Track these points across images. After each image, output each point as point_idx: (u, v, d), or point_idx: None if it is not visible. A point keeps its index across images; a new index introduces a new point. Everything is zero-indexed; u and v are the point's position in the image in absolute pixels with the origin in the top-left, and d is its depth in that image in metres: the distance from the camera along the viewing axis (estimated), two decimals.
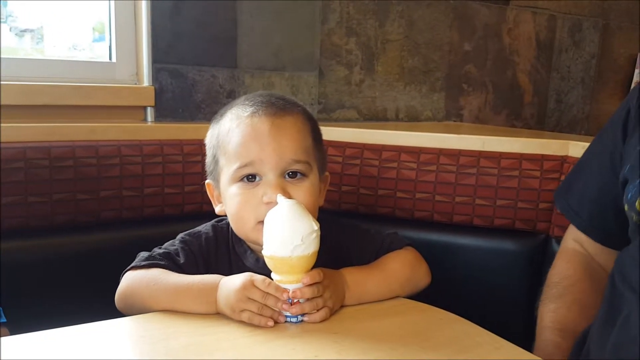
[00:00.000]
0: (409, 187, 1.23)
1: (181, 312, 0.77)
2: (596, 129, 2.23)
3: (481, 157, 1.20)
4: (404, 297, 0.87)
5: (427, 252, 0.96)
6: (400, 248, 0.93)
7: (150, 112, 1.40)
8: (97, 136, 1.14)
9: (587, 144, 1.14)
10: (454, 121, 1.90)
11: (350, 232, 0.96)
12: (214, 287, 0.77)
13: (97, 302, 0.84)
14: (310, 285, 0.75)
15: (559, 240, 1.14)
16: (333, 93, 1.66)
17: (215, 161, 0.90)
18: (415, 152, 1.23)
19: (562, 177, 1.15)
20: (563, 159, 1.17)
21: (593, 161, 0.93)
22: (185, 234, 0.91)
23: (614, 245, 0.92)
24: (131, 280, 0.83)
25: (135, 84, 1.41)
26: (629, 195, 0.77)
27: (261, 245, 0.77)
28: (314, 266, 0.77)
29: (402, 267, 0.89)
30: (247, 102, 0.88)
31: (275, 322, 0.74)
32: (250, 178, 0.84)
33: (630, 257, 0.79)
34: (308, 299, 0.75)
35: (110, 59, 1.41)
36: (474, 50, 1.91)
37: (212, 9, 1.44)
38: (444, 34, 1.83)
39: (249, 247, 0.90)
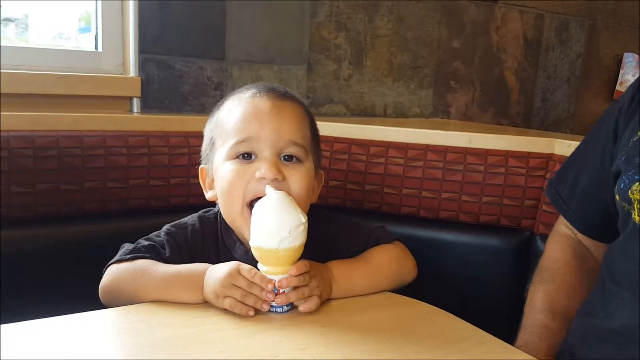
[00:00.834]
0: (396, 182, 1.23)
1: (169, 301, 0.76)
2: (581, 127, 2.26)
3: (468, 154, 1.20)
4: (390, 291, 0.87)
5: (413, 247, 0.96)
6: (388, 242, 0.93)
7: (136, 103, 1.38)
8: (82, 126, 1.13)
9: (572, 142, 1.16)
10: (441, 118, 1.91)
11: (337, 224, 0.95)
12: (202, 274, 0.77)
13: (80, 294, 0.83)
14: (297, 275, 0.75)
15: (543, 237, 1.15)
16: (321, 87, 1.66)
17: (212, 144, 0.90)
18: (403, 148, 1.23)
19: (548, 175, 1.17)
20: (549, 157, 1.18)
21: (585, 154, 0.94)
22: (170, 226, 0.90)
23: (597, 238, 0.94)
24: (116, 273, 0.82)
25: (122, 74, 1.39)
26: (622, 185, 0.78)
27: (246, 236, 0.77)
28: (301, 259, 0.77)
29: (389, 261, 0.89)
30: (250, 87, 0.90)
31: (260, 312, 0.74)
32: (246, 156, 0.84)
33: (618, 250, 0.80)
34: (294, 288, 0.75)
35: (96, 48, 1.39)
36: (462, 48, 1.91)
37: (200, 1, 1.43)
38: (433, 30, 1.83)
39: (238, 238, 0.89)
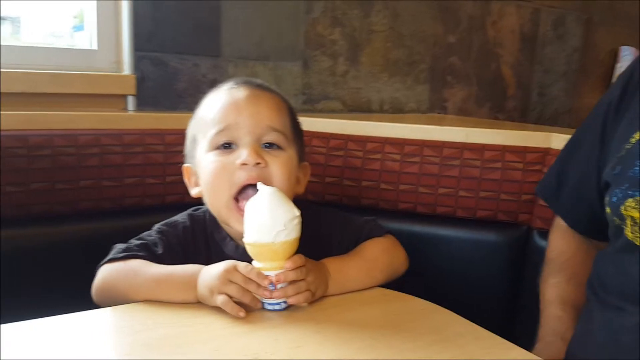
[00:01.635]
0: (392, 178, 1.23)
1: (162, 301, 0.76)
2: (578, 122, 2.23)
3: (464, 149, 1.20)
4: (385, 286, 0.87)
5: (411, 243, 0.96)
6: (379, 235, 0.93)
7: (131, 101, 1.38)
8: (76, 125, 1.12)
9: (569, 136, 1.15)
10: (438, 113, 1.91)
11: (329, 219, 0.96)
12: (195, 274, 0.76)
13: (76, 293, 0.82)
14: (293, 269, 0.75)
15: (540, 232, 1.15)
16: (317, 84, 1.65)
17: (193, 140, 0.90)
18: (399, 143, 1.23)
19: (545, 170, 1.16)
20: (545, 151, 1.18)
21: (575, 149, 0.93)
22: (162, 224, 0.90)
23: (584, 233, 0.94)
24: (109, 273, 0.81)
25: (116, 72, 1.38)
26: (614, 198, 0.76)
27: (233, 228, 0.78)
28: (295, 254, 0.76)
29: (382, 254, 0.90)
30: (227, 81, 0.92)
31: (255, 310, 0.73)
32: (226, 146, 0.85)
33: (610, 261, 0.80)
34: (291, 283, 0.75)
35: (90, 46, 1.38)
36: (458, 43, 1.91)
37: None
38: (429, 25, 1.83)
39: (228, 234, 0.89)
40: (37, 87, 1.25)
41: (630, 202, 0.74)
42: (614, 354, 0.74)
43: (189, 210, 0.94)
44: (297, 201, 0.88)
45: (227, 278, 0.73)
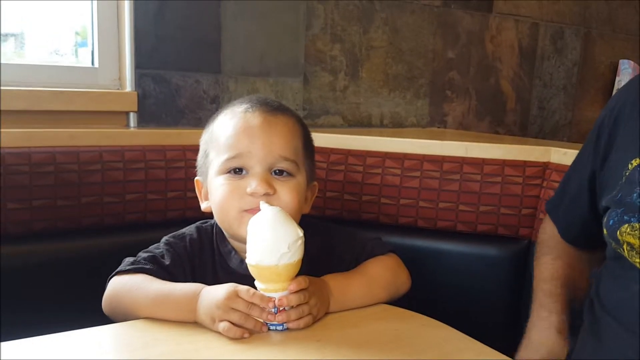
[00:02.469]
0: (393, 193, 1.23)
1: (161, 320, 0.76)
2: (578, 135, 2.26)
3: (464, 163, 1.20)
4: (385, 302, 0.87)
5: (411, 257, 0.96)
6: (383, 254, 0.93)
7: (132, 118, 1.39)
8: (78, 141, 1.13)
9: (569, 150, 1.16)
10: (438, 127, 1.91)
11: (333, 236, 0.95)
12: (195, 296, 0.76)
13: (76, 310, 0.83)
14: (296, 292, 0.74)
15: None
16: (317, 99, 1.66)
17: (206, 155, 0.90)
18: (400, 158, 1.23)
19: (545, 183, 1.16)
20: (545, 166, 1.18)
21: (578, 161, 0.95)
22: (169, 237, 0.91)
23: (571, 242, 0.96)
24: (116, 285, 0.82)
25: (118, 89, 1.40)
26: (611, 221, 0.77)
27: (244, 242, 0.77)
28: (299, 272, 0.76)
29: (384, 273, 0.89)
30: (243, 101, 0.91)
31: (259, 333, 0.73)
32: (237, 171, 0.85)
33: (607, 279, 0.80)
34: (294, 307, 0.74)
35: (92, 64, 1.40)
36: (458, 58, 1.92)
37: (195, 14, 1.44)
38: (428, 41, 1.84)
39: (233, 247, 0.90)
40: (39, 105, 1.26)
41: (625, 227, 0.74)
42: None
43: (197, 223, 0.95)
44: (305, 218, 0.89)
45: (228, 306, 0.72)
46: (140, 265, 0.83)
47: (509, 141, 1.44)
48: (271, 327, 0.74)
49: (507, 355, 0.72)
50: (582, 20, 2.19)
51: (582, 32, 2.20)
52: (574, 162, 0.96)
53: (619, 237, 0.75)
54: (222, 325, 0.72)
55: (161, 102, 1.42)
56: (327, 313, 0.81)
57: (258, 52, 1.54)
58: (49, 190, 1.07)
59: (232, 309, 0.72)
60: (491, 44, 1.98)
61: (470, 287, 1.18)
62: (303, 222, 0.85)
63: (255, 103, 0.89)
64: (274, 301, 0.73)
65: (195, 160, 0.96)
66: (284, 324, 0.74)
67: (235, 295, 0.73)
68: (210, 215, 0.93)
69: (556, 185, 1.14)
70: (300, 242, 0.74)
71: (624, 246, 0.75)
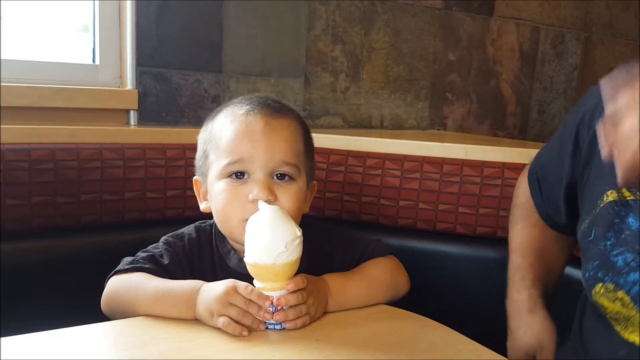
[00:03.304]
0: (392, 194, 1.23)
1: (161, 317, 0.76)
2: None
3: (464, 166, 1.20)
4: (384, 304, 0.87)
5: (410, 259, 0.96)
6: (383, 255, 0.93)
7: (133, 116, 1.39)
8: (78, 139, 1.13)
9: None
10: (438, 130, 1.91)
11: (334, 237, 0.95)
12: (195, 292, 0.76)
13: (75, 307, 0.83)
14: (294, 292, 0.74)
15: None
16: (318, 100, 1.66)
17: (205, 156, 0.89)
18: (399, 159, 1.24)
19: None
20: None
21: (555, 153, 0.87)
22: (168, 236, 0.91)
23: (552, 226, 0.91)
24: (114, 284, 0.82)
25: (119, 87, 1.40)
26: (587, 274, 0.73)
27: (244, 244, 0.76)
28: (297, 272, 0.76)
29: (383, 274, 0.89)
30: (243, 101, 0.89)
31: (256, 330, 0.73)
32: (239, 175, 0.84)
33: (589, 325, 0.77)
34: (292, 306, 0.74)
35: (93, 61, 1.40)
36: (458, 60, 1.92)
37: (197, 13, 1.44)
38: (429, 43, 1.84)
39: (232, 247, 0.90)
40: (40, 102, 1.26)
41: (599, 287, 0.70)
42: None
43: (196, 223, 0.94)
44: (305, 218, 0.88)
45: (226, 301, 0.72)
46: (139, 265, 0.83)
47: (508, 144, 1.44)
48: (269, 326, 0.74)
49: (505, 356, 0.72)
50: (583, 24, 2.20)
51: (582, 36, 2.21)
52: (551, 153, 0.88)
53: (594, 297, 0.71)
54: (221, 320, 0.72)
55: (162, 100, 1.42)
56: (325, 312, 0.81)
57: (259, 52, 1.54)
58: (48, 187, 1.07)
59: (230, 304, 0.72)
60: (492, 47, 1.99)
61: (469, 289, 1.18)
62: (303, 222, 0.86)
63: (256, 105, 0.87)
64: (272, 300, 0.73)
65: (195, 158, 0.96)
66: (282, 323, 0.74)
67: (234, 290, 0.73)
68: (209, 215, 0.93)
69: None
70: (298, 242, 0.74)
71: (599, 304, 0.72)
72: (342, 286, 0.84)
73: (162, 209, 1.19)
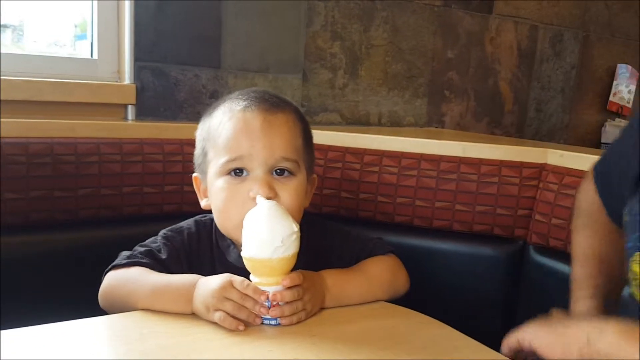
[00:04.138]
0: (390, 191, 1.23)
1: (159, 311, 0.76)
2: (575, 138, 2.27)
3: (461, 163, 1.21)
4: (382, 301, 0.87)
5: (407, 256, 0.96)
6: (383, 254, 0.93)
7: (131, 111, 1.38)
8: (76, 133, 1.13)
9: (565, 152, 1.17)
10: (436, 127, 1.92)
11: (332, 233, 0.95)
12: (192, 287, 0.76)
13: (73, 301, 0.83)
14: (290, 288, 0.74)
15: (536, 247, 1.16)
16: (316, 96, 1.66)
17: (204, 154, 0.89)
18: (397, 156, 1.24)
19: (541, 185, 1.17)
20: (542, 167, 1.18)
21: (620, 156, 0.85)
22: (167, 230, 0.91)
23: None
24: (112, 279, 0.82)
25: (117, 81, 1.39)
26: (629, 244, 0.72)
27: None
28: (294, 267, 0.77)
29: (382, 272, 0.89)
30: (240, 97, 0.88)
31: (252, 325, 0.73)
32: (238, 172, 0.84)
33: None
34: (288, 302, 0.74)
35: (91, 55, 1.39)
36: (457, 58, 1.92)
37: (196, 8, 1.44)
38: (428, 40, 1.84)
39: (232, 242, 0.89)
40: (38, 95, 1.26)
41: (637, 255, 0.70)
42: None
43: (196, 217, 0.94)
44: (303, 214, 0.88)
45: (222, 295, 0.72)
46: (136, 259, 0.83)
47: (506, 142, 1.45)
48: (265, 322, 0.74)
49: (501, 353, 0.72)
50: (581, 23, 2.20)
51: (581, 35, 2.21)
52: (619, 147, 0.86)
53: (631, 266, 0.71)
54: (217, 315, 0.72)
55: (160, 95, 1.42)
56: (323, 308, 0.81)
57: (258, 48, 1.54)
58: (46, 181, 1.07)
59: (226, 298, 0.72)
60: (490, 45, 1.99)
61: (466, 287, 1.18)
62: (303, 218, 0.86)
63: (253, 100, 0.86)
64: (268, 295, 0.74)
65: (193, 154, 0.96)
66: (278, 319, 0.74)
67: (230, 285, 0.73)
68: (209, 210, 0.93)
69: (553, 187, 1.14)
70: (295, 237, 0.74)
71: (634, 279, 0.71)
72: (340, 282, 0.84)
73: (159, 204, 1.19)
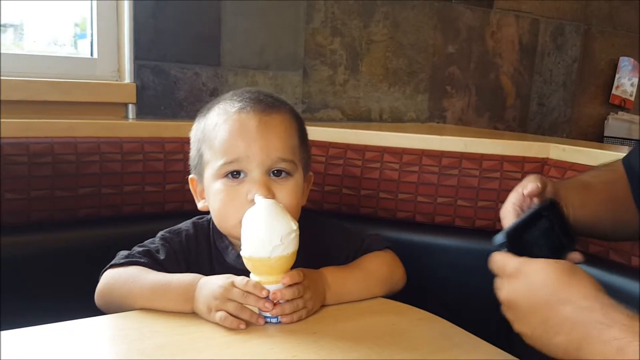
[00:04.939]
0: (391, 187, 1.23)
1: (158, 310, 0.76)
2: (577, 131, 2.26)
3: (463, 159, 1.20)
4: (381, 297, 0.87)
5: (409, 252, 0.96)
6: (380, 249, 0.93)
7: (131, 109, 1.38)
8: (77, 132, 1.13)
9: (567, 147, 1.16)
10: (437, 122, 1.91)
11: (330, 229, 0.95)
12: (192, 286, 0.76)
13: (74, 301, 0.83)
14: (291, 286, 0.74)
15: None
16: (317, 93, 1.66)
17: (200, 155, 0.88)
18: (398, 152, 1.23)
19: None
20: (544, 161, 1.18)
21: None
22: (165, 232, 0.91)
23: None
24: (110, 278, 0.82)
25: (117, 80, 1.39)
26: None
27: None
28: (294, 266, 0.76)
29: (380, 268, 0.89)
30: (235, 98, 0.87)
31: (254, 325, 0.73)
32: (235, 174, 0.84)
33: None
34: (288, 300, 0.74)
35: (91, 54, 1.39)
36: (458, 53, 1.92)
37: (195, 6, 1.43)
38: (428, 35, 1.84)
39: (230, 242, 0.89)
40: (38, 95, 1.26)
41: None
42: None
43: (194, 219, 0.94)
44: (302, 212, 0.88)
45: (224, 296, 0.72)
46: (134, 259, 0.83)
47: (508, 137, 1.44)
48: (266, 320, 0.74)
49: (502, 349, 0.72)
50: (582, 17, 2.19)
51: (582, 28, 2.20)
52: None
53: None
54: (219, 315, 0.72)
55: (160, 94, 1.42)
56: (323, 306, 0.81)
57: (258, 45, 1.53)
58: (46, 180, 1.07)
59: (229, 299, 0.72)
60: (492, 39, 1.98)
61: (467, 282, 1.18)
62: (300, 215, 0.85)
63: (248, 101, 0.86)
64: (268, 293, 0.73)
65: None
66: (279, 317, 0.74)
67: (232, 285, 0.73)
68: (206, 212, 0.93)
69: (555, 181, 1.13)
70: (294, 235, 0.74)
71: None
72: (340, 279, 0.84)
73: (160, 203, 1.19)
